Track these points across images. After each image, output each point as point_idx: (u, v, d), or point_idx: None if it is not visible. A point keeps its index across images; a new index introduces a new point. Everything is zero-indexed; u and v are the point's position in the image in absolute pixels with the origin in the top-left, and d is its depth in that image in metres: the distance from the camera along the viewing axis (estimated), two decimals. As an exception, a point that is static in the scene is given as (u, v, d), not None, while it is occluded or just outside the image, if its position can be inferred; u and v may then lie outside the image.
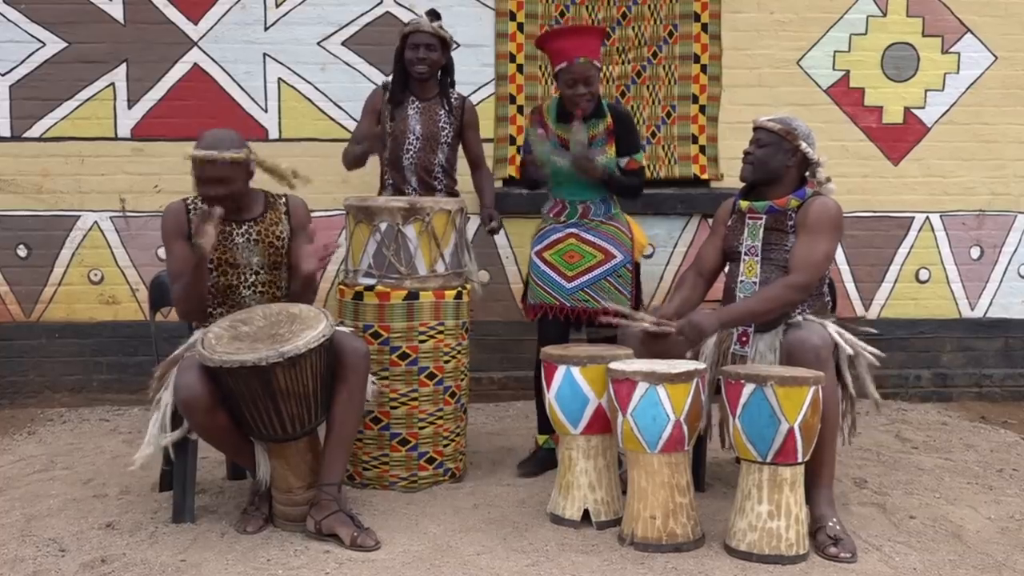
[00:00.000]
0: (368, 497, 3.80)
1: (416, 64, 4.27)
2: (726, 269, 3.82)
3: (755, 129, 3.64)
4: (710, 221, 4.08)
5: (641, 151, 4.16)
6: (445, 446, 3.97)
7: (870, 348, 3.55)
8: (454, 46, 4.39)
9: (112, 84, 5.25)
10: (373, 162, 4.46)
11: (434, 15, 4.32)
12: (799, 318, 3.55)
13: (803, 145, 3.57)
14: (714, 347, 3.67)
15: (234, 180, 3.47)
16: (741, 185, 3.76)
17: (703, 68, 5.41)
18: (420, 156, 4.33)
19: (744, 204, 3.67)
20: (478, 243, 4.99)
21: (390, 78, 4.45)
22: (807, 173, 3.64)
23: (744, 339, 3.60)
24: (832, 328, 3.51)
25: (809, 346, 3.35)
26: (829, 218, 3.52)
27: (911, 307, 5.63)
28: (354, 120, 5.20)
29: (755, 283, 3.58)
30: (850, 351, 3.50)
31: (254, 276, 3.58)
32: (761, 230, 3.61)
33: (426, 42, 4.27)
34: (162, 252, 5.21)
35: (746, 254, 3.63)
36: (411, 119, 4.32)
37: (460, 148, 4.51)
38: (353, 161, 4.36)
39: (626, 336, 3.73)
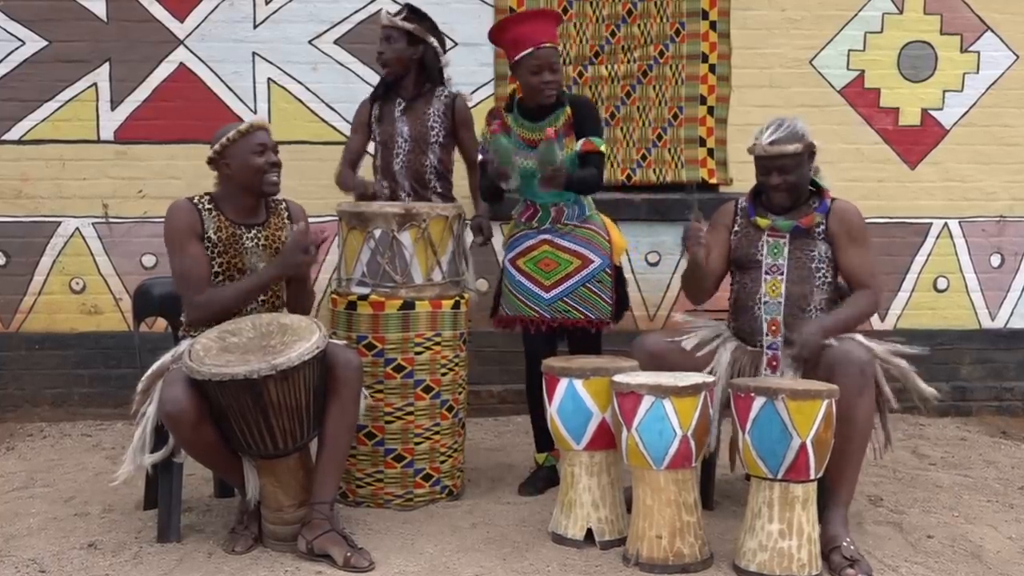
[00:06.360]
0: (362, 516, 3.82)
1: (378, 58, 4.30)
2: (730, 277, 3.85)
3: (772, 157, 3.59)
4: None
5: (600, 136, 4.05)
6: (442, 462, 3.99)
7: (904, 351, 3.60)
8: (431, 40, 4.32)
9: (94, 84, 5.28)
10: (369, 167, 4.48)
11: (407, 9, 4.31)
12: None
13: (815, 145, 3.65)
14: (728, 365, 3.68)
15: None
16: (748, 189, 3.80)
17: (711, 68, 5.44)
18: (410, 159, 4.31)
19: (764, 223, 3.69)
20: (477, 251, 5.01)
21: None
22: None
23: (775, 364, 3.61)
24: (866, 341, 3.53)
25: (854, 359, 3.36)
26: (863, 222, 3.67)
27: (929, 317, 5.65)
28: (347, 122, 5.22)
29: (780, 303, 3.61)
30: (892, 359, 3.55)
31: None
32: (786, 249, 3.64)
33: (385, 35, 4.27)
34: (147, 260, 5.25)
35: (768, 273, 3.66)
36: (398, 121, 4.32)
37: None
38: (344, 190, 4.39)
39: (633, 347, 3.76)
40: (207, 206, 3.56)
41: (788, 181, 3.61)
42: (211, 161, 3.58)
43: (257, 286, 3.52)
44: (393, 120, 4.33)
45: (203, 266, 3.50)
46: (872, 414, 3.43)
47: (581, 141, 4.01)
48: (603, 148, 4.07)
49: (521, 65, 3.98)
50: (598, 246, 4.07)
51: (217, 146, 3.54)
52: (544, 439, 4.06)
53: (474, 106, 5.15)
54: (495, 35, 4.16)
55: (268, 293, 3.62)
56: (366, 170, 4.48)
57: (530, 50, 3.93)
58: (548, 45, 3.95)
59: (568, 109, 4.04)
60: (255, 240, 3.60)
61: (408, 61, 4.30)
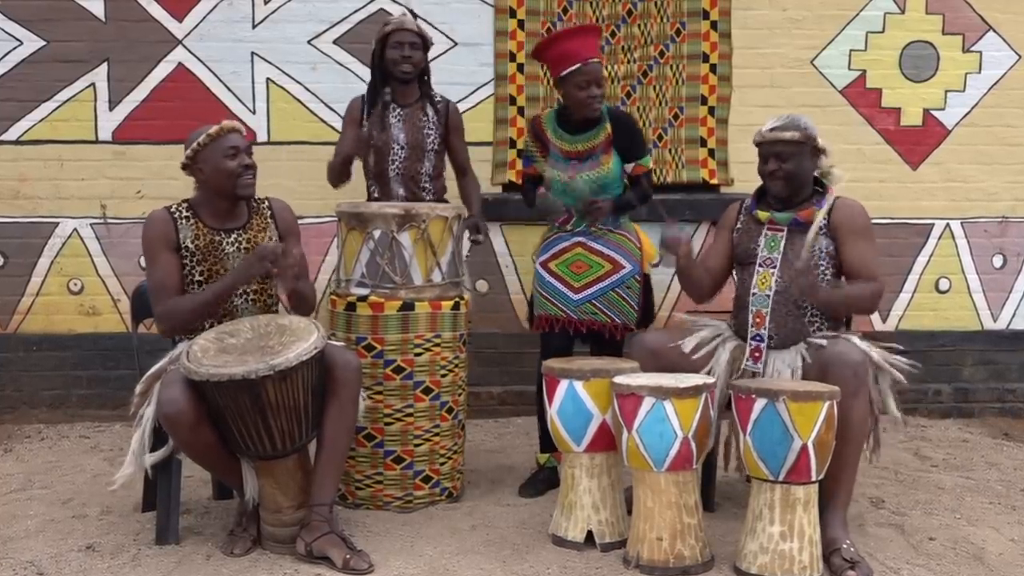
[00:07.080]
0: (361, 518, 3.82)
1: (401, 63, 4.27)
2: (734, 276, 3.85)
3: (770, 143, 3.61)
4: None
5: (648, 154, 4.20)
6: (442, 464, 3.99)
7: (901, 362, 3.57)
8: (431, 45, 4.42)
9: (93, 84, 5.27)
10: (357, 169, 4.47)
11: (413, 14, 4.34)
12: (823, 334, 3.57)
13: (820, 143, 3.63)
14: (726, 364, 3.68)
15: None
16: (749, 189, 3.80)
17: (712, 68, 5.44)
18: (406, 166, 4.32)
19: (763, 215, 3.69)
20: (477, 251, 5.02)
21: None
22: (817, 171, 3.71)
23: (757, 355, 3.61)
24: (863, 344, 3.53)
25: (848, 360, 3.37)
26: (868, 219, 3.66)
27: (930, 318, 5.65)
28: (347, 122, 5.23)
29: (768, 295, 3.61)
30: (885, 365, 3.54)
31: (245, 285, 3.59)
32: (782, 243, 3.63)
33: (410, 40, 4.27)
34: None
35: (761, 265, 3.65)
36: (394, 128, 4.31)
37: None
38: (336, 174, 4.38)
39: (632, 346, 3.76)
40: (184, 214, 3.56)
41: (784, 169, 3.60)
42: (185, 167, 3.58)
43: (217, 294, 3.47)
44: (387, 125, 4.32)
45: (171, 277, 3.49)
46: (867, 415, 3.42)
47: (632, 166, 4.12)
48: (651, 164, 4.24)
49: (568, 80, 4.02)
50: (629, 252, 4.12)
51: (189, 151, 3.53)
52: (549, 440, 4.06)
53: (473, 106, 5.20)
54: (540, 52, 4.21)
55: (262, 295, 3.63)
56: (356, 173, 4.47)
57: (577, 66, 3.97)
58: (595, 60, 4.01)
59: (608, 125, 4.09)
60: (236, 244, 3.59)
61: (421, 67, 4.35)
